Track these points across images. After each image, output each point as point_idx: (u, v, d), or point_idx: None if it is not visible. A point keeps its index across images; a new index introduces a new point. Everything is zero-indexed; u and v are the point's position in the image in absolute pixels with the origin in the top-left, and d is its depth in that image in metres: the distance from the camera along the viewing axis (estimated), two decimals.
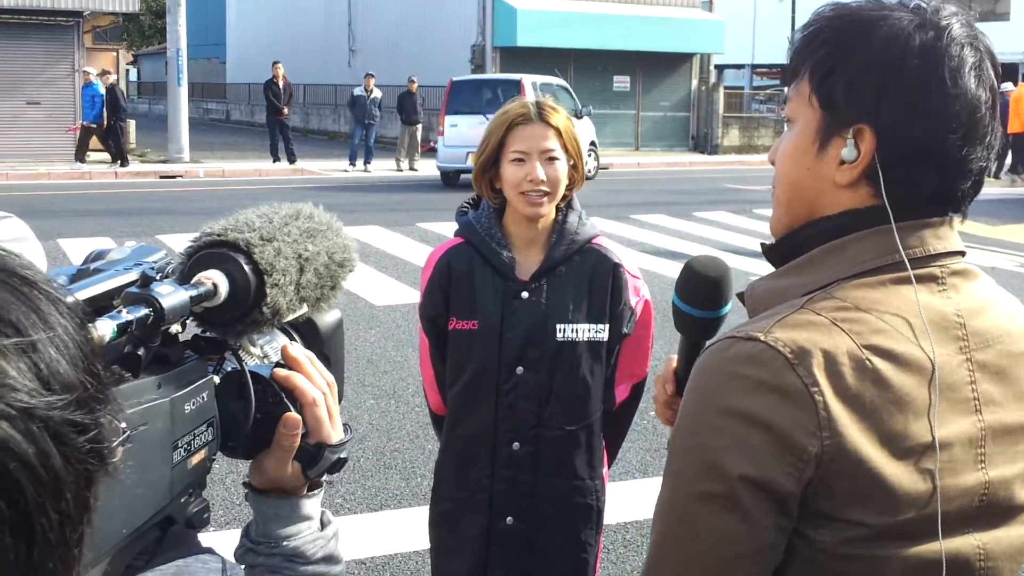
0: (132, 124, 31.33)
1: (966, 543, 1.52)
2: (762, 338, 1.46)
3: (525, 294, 3.23)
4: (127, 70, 40.96)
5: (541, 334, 3.22)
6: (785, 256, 1.62)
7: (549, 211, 3.23)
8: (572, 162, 3.24)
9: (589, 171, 21.04)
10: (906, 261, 1.51)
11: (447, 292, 3.29)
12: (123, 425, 1.11)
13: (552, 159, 3.17)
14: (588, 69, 36.43)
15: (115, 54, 31.83)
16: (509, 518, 3.26)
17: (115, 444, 0.87)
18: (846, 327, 1.46)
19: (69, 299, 0.87)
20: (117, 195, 21.50)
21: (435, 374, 3.43)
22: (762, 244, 1.71)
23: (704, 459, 1.47)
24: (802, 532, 1.45)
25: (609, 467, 3.46)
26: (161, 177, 25.70)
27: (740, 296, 1.68)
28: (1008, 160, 27.11)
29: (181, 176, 25.97)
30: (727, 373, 1.48)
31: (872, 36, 1.54)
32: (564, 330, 3.22)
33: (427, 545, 3.53)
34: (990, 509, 1.53)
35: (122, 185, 23.87)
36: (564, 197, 3.28)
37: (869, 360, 1.44)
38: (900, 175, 1.53)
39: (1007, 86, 26.14)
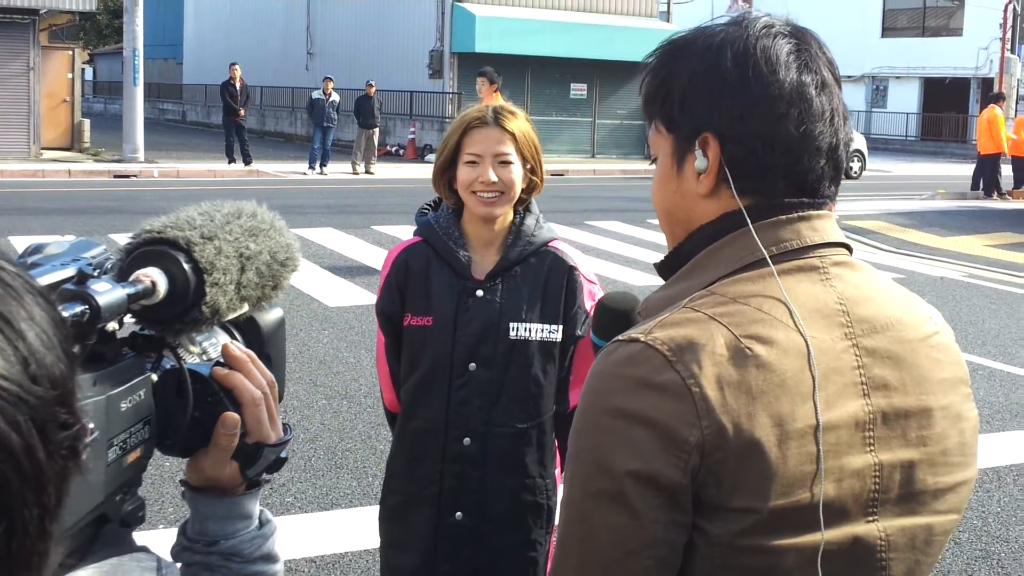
0: (87, 123, 31.10)
1: (869, 531, 1.53)
2: (642, 339, 1.49)
3: (480, 292, 3.28)
4: (83, 69, 40.57)
5: (494, 332, 3.26)
6: (674, 269, 1.66)
7: (503, 212, 3.29)
8: (529, 166, 3.30)
9: None
10: (765, 254, 1.54)
11: (403, 289, 3.34)
12: (91, 425, 1.11)
13: (506, 162, 3.24)
14: (546, 76, 36.46)
15: (71, 53, 31.41)
16: (458, 514, 3.28)
17: (86, 443, 0.87)
18: (724, 320, 1.48)
19: (44, 290, 0.87)
20: (70, 193, 21.30)
21: (390, 371, 3.47)
22: (654, 264, 1.76)
23: (594, 458, 1.49)
24: (698, 526, 1.47)
25: (562, 468, 3.47)
26: (115, 176, 25.48)
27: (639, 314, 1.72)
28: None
29: (135, 176, 25.77)
30: (611, 375, 1.50)
31: (691, 52, 1.62)
32: (517, 329, 3.27)
33: (378, 543, 3.53)
34: (889, 495, 1.54)
35: (75, 184, 23.65)
36: (523, 201, 3.35)
37: (749, 348, 1.46)
38: (750, 168, 1.57)
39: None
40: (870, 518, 1.53)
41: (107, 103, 55.85)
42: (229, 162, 28.16)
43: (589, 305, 3.35)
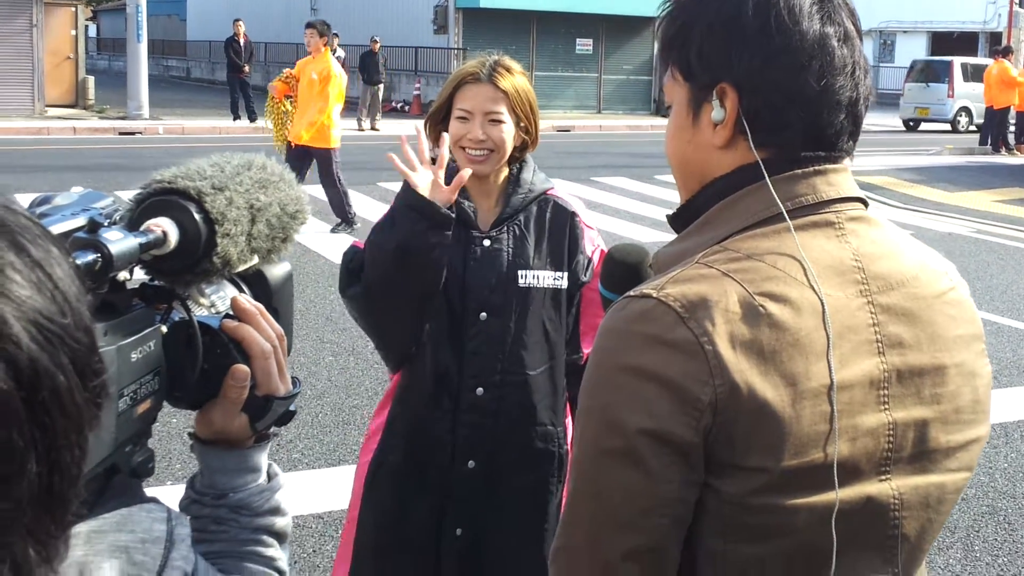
0: (91, 80, 31.03)
1: (882, 489, 1.52)
2: (654, 295, 1.47)
3: (487, 242, 3.29)
4: (86, 26, 40.44)
5: (503, 280, 3.27)
6: (687, 222, 1.63)
7: (491, 171, 3.29)
8: (523, 125, 3.28)
9: None
10: (783, 209, 1.52)
11: None
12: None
13: (496, 121, 3.23)
14: (551, 32, 36.32)
15: (74, 9, 31.29)
16: (471, 462, 3.28)
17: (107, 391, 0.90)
18: (738, 276, 1.47)
19: (58, 238, 0.90)
20: (75, 151, 21.30)
21: None
22: (667, 215, 1.73)
23: (604, 417, 1.48)
24: (710, 484, 1.45)
25: (573, 419, 3.46)
26: (120, 133, 25.46)
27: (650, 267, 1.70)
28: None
29: (140, 133, 25.74)
30: (622, 331, 1.49)
31: (711, 0, 1.59)
32: (526, 276, 3.28)
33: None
34: (902, 453, 1.53)
35: (80, 141, 23.64)
36: (516, 158, 3.35)
37: (763, 306, 1.44)
38: (768, 121, 1.55)
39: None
40: (883, 477, 1.52)
41: (111, 60, 55.68)
42: (234, 119, 28.13)
43: (590, 250, 3.37)
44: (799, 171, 1.56)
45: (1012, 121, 27.44)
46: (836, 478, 1.45)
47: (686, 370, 1.42)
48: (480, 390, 3.27)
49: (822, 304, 1.47)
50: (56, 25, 29.79)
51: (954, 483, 1.60)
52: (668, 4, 1.66)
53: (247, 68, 28.06)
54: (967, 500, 6.09)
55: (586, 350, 3.41)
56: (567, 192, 3.47)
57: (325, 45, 13.86)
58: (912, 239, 1.68)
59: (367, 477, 3.41)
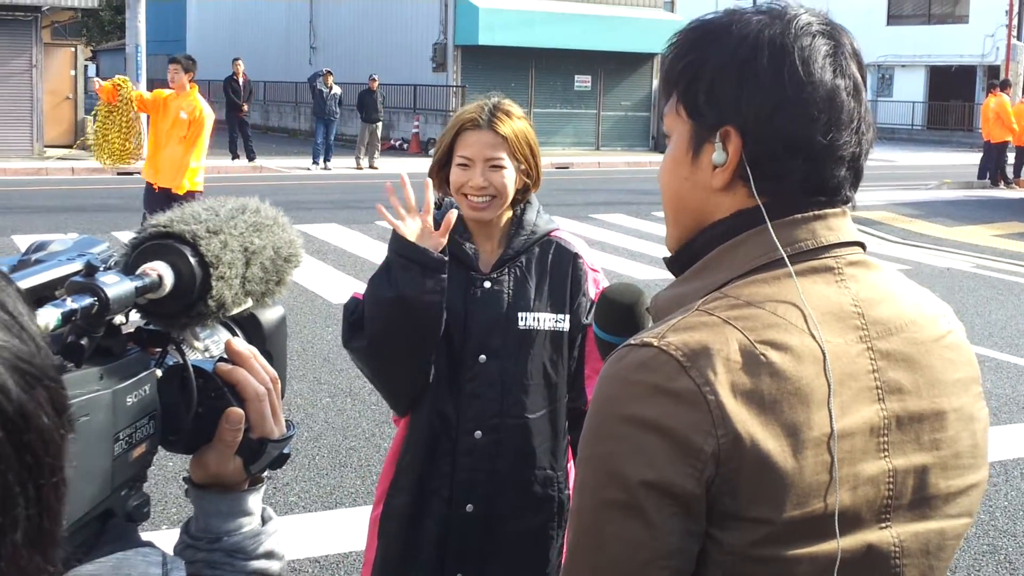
0: (90, 120, 31.06)
1: (883, 537, 1.51)
2: (655, 343, 1.46)
3: (487, 284, 3.28)
4: (86, 66, 40.60)
5: (503, 323, 3.26)
6: (685, 265, 1.63)
7: (493, 216, 3.28)
8: (524, 168, 3.28)
9: None
10: (784, 255, 1.52)
11: None
12: (86, 416, 1.13)
13: (497, 167, 3.22)
14: (550, 69, 36.45)
15: (73, 50, 31.42)
16: (469, 506, 3.27)
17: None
18: (739, 324, 1.46)
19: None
20: (74, 191, 21.34)
21: None
22: (664, 259, 1.73)
23: (606, 467, 1.47)
24: (712, 535, 1.44)
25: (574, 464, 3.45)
26: (119, 174, 25.46)
27: (648, 310, 1.70)
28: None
29: (138, 173, 25.71)
30: (623, 380, 1.48)
31: (725, 40, 1.58)
32: (526, 319, 3.27)
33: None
34: (902, 500, 1.52)
35: (79, 181, 23.67)
36: (520, 199, 3.34)
37: (764, 355, 1.44)
38: (770, 170, 1.54)
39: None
40: (883, 524, 1.51)
41: None
42: (233, 158, 28.20)
43: (593, 292, 3.36)
44: (799, 216, 1.55)
45: (1011, 154, 27.53)
46: (838, 529, 1.45)
47: (689, 420, 1.41)
48: (478, 433, 3.26)
49: (823, 352, 1.46)
50: (55, 65, 29.90)
51: (954, 529, 1.59)
52: (679, 38, 1.65)
53: (246, 107, 28.15)
54: (967, 539, 6.05)
55: (591, 394, 3.40)
56: (570, 232, 3.47)
57: (191, 82, 12.71)
58: (909, 281, 1.68)
59: (378, 523, 3.43)
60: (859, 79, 1.58)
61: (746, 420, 1.41)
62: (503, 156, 3.22)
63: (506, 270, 3.30)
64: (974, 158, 30.68)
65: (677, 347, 1.45)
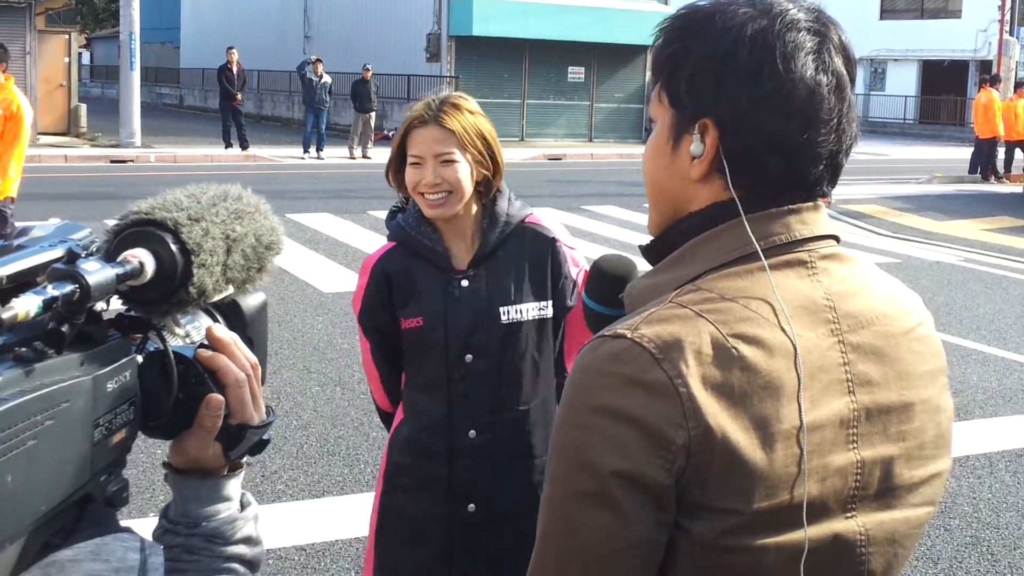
0: (84, 108, 31.05)
1: (849, 527, 1.53)
2: (628, 335, 1.47)
3: (465, 282, 3.25)
4: (80, 53, 40.49)
5: (486, 319, 3.24)
6: (660, 254, 1.63)
7: (454, 211, 3.21)
8: (478, 159, 3.21)
9: None
10: (759, 249, 1.52)
11: (388, 297, 3.30)
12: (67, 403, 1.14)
13: (448, 161, 3.16)
14: (543, 60, 36.43)
15: (67, 37, 31.33)
16: (471, 506, 3.26)
17: None
18: (711, 317, 1.47)
19: None
20: (66, 179, 21.29)
21: (379, 375, 3.45)
22: (640, 246, 1.73)
23: (577, 457, 1.47)
24: (680, 524, 1.45)
25: None
26: (112, 162, 25.46)
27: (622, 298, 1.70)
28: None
29: (132, 161, 25.74)
30: (596, 371, 1.48)
31: (709, 31, 1.57)
32: (508, 312, 3.24)
33: (367, 532, 3.50)
34: (868, 491, 1.54)
35: (72, 169, 23.64)
36: (487, 190, 3.28)
37: (735, 348, 1.45)
38: (746, 164, 1.55)
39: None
40: (849, 514, 1.52)
41: (104, 87, 55.77)
42: (226, 147, 28.16)
43: (575, 273, 3.34)
44: (774, 210, 1.56)
45: (1002, 149, 27.59)
46: (806, 520, 1.46)
47: (661, 412, 1.42)
48: (472, 432, 3.25)
49: (794, 346, 1.48)
50: (49, 52, 29.83)
51: (918, 518, 1.61)
52: (666, 25, 1.65)
53: (240, 96, 28.07)
54: (950, 531, 6.10)
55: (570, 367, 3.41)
56: (545, 215, 3.44)
57: (4, 72, 11.10)
58: (881, 273, 1.68)
59: (377, 519, 3.43)
60: (844, 75, 1.57)
61: (717, 413, 1.42)
62: (453, 151, 3.16)
63: (483, 266, 3.26)
64: (965, 152, 30.74)
65: (650, 339, 1.45)
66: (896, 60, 50.67)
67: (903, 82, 50.47)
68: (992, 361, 9.89)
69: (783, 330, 1.48)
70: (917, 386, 1.59)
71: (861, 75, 51.17)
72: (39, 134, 27.65)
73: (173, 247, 1.33)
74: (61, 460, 1.19)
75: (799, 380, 1.46)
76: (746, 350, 1.45)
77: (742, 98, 1.53)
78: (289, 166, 26.17)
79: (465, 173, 3.18)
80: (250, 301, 1.57)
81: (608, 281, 2.09)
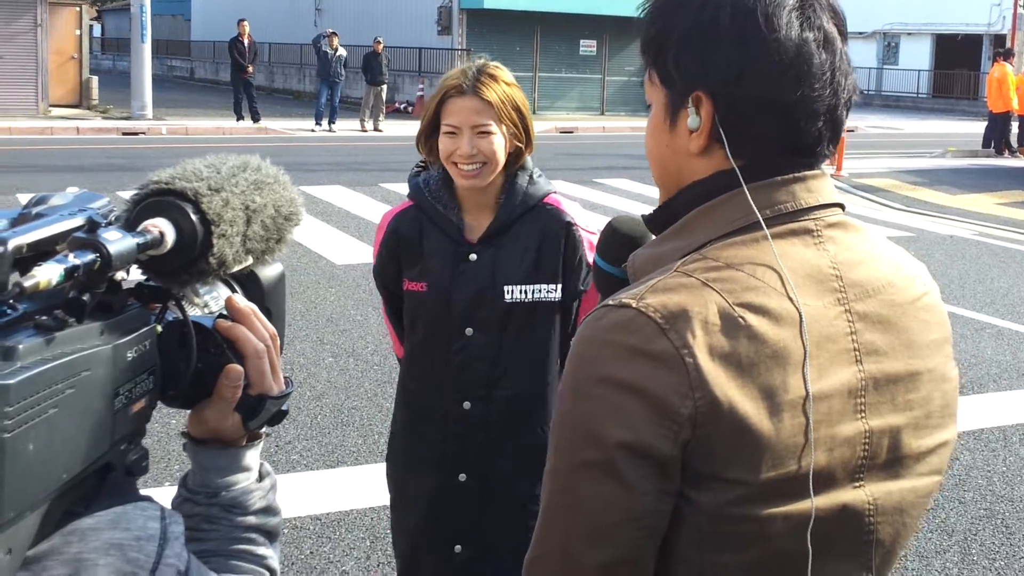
0: (95, 80, 31.04)
1: (857, 496, 1.52)
2: (634, 305, 1.45)
3: (473, 256, 3.23)
4: (91, 26, 40.46)
5: (489, 296, 3.22)
6: (664, 224, 1.61)
7: (486, 183, 3.20)
8: (513, 131, 3.19)
9: None
10: (760, 219, 1.51)
11: (397, 256, 3.31)
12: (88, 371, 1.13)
13: (484, 133, 3.14)
14: (555, 33, 36.33)
15: (78, 9, 31.28)
16: (462, 475, 3.27)
17: None
18: (717, 286, 1.45)
19: None
20: (79, 151, 21.31)
21: (394, 328, 3.49)
22: (642, 215, 1.71)
23: (582, 428, 1.46)
24: (686, 495, 1.44)
25: None
26: (123, 134, 25.48)
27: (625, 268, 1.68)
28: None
29: (143, 133, 25.76)
30: (601, 341, 1.46)
31: (689, 4, 1.56)
32: (512, 291, 3.22)
33: (381, 502, 3.55)
34: (876, 460, 1.53)
35: (84, 141, 23.65)
36: (514, 162, 3.26)
37: (742, 317, 1.43)
38: (745, 131, 1.53)
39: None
40: (857, 484, 1.51)
41: (115, 60, 55.77)
42: (237, 119, 28.15)
43: (591, 257, 3.25)
44: (779, 178, 1.54)
45: (1015, 123, 27.49)
46: (812, 491, 1.45)
47: (667, 383, 1.41)
48: (467, 404, 3.26)
49: (799, 315, 1.46)
50: (60, 25, 29.81)
51: (925, 487, 1.61)
52: (648, 5, 1.63)
53: (251, 68, 28.03)
54: (964, 503, 6.09)
55: None
56: (565, 197, 3.40)
57: None
58: (887, 242, 1.67)
59: (386, 473, 3.51)
60: (831, 29, 1.55)
61: (723, 383, 1.41)
62: (490, 122, 3.13)
63: (494, 241, 3.24)
64: (979, 127, 30.64)
65: (656, 309, 1.44)
66: (910, 34, 50.45)
67: (916, 56, 50.25)
68: (1006, 335, 9.87)
69: (789, 299, 1.47)
70: (924, 355, 1.58)
71: (874, 49, 50.99)
72: (51, 106, 27.70)
73: (193, 217, 1.32)
74: (82, 429, 1.19)
75: (805, 349, 1.45)
76: (753, 319, 1.44)
77: (730, 66, 1.51)
78: (301, 138, 26.16)
79: (500, 145, 3.16)
80: (268, 272, 1.57)
81: (622, 243, 2.05)
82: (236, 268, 1.42)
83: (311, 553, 5.27)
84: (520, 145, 3.23)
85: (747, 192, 1.52)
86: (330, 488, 5.95)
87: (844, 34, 1.59)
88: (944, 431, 1.62)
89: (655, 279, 1.50)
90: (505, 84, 3.19)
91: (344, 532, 5.48)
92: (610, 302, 1.49)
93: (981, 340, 9.60)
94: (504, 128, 3.16)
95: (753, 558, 1.48)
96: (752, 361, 1.42)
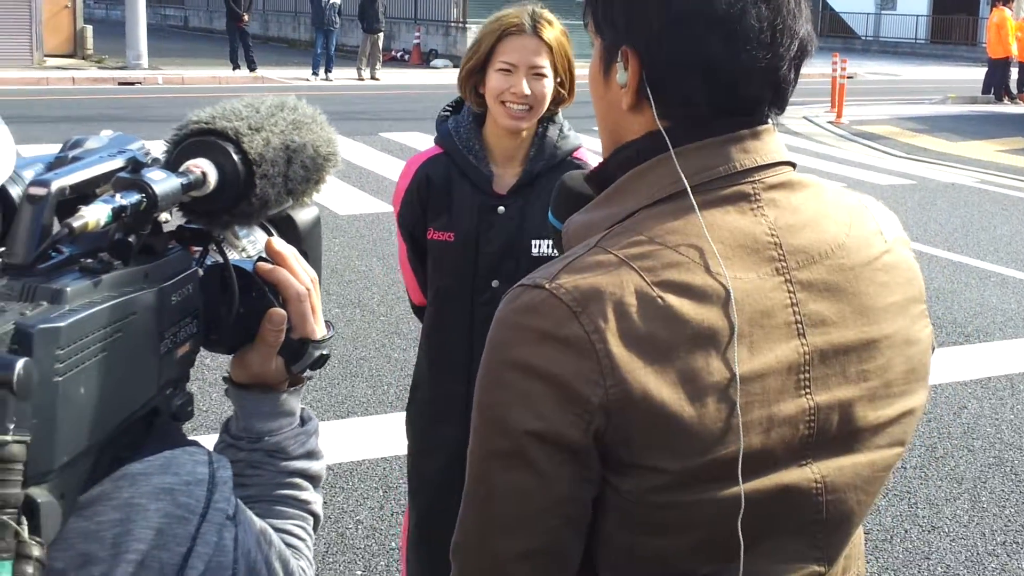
0: (89, 29, 30.86)
1: (803, 475, 1.44)
2: (546, 286, 1.38)
3: (502, 208, 3.22)
4: None
5: (517, 248, 3.21)
6: (602, 184, 1.54)
7: (529, 126, 3.20)
8: (559, 79, 3.19)
9: None
10: (687, 187, 1.42)
11: (425, 202, 3.28)
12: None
13: (539, 75, 3.13)
14: None
15: None
16: None
17: None
18: (637, 264, 1.37)
19: None
20: (75, 101, 21.21)
21: (415, 276, 3.46)
22: (583, 175, 1.65)
23: (492, 415, 1.41)
24: (609, 481, 1.39)
25: None
26: (119, 84, 25.35)
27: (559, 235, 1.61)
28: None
29: (140, 83, 25.63)
30: (512, 324, 1.41)
31: None
32: (539, 245, 3.21)
33: (393, 452, 3.55)
34: (826, 436, 1.44)
35: (80, 91, 23.52)
36: (549, 113, 3.25)
37: (660, 297, 1.35)
38: (672, 91, 1.44)
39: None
40: (803, 462, 1.44)
41: (108, 9, 55.33)
42: (233, 68, 28.04)
43: None
44: (710, 140, 1.45)
45: (1015, 69, 27.39)
46: (740, 475, 1.37)
47: (576, 369, 1.34)
48: None
49: (726, 291, 1.38)
50: None
51: (884, 460, 1.52)
52: None
53: (246, 17, 27.90)
54: (973, 451, 6.11)
55: None
56: (594, 153, 3.37)
57: None
58: (844, 199, 1.55)
59: (406, 417, 3.54)
60: None
61: (637, 369, 1.33)
62: (546, 64, 3.14)
63: (521, 194, 3.24)
64: (978, 73, 30.52)
65: (568, 291, 1.37)
66: None
67: (914, 1, 50.00)
68: (1011, 283, 9.86)
69: (714, 274, 1.38)
70: (881, 320, 1.48)
71: None
72: (45, 56, 27.56)
73: (235, 157, 1.31)
74: (130, 372, 1.18)
75: (732, 327, 1.36)
76: (672, 299, 1.36)
77: (654, 22, 1.42)
78: (298, 87, 26.03)
79: (550, 89, 3.17)
80: (304, 215, 1.55)
81: (575, 200, 2.00)
82: (276, 209, 1.40)
83: (325, 503, 5.25)
84: (564, 93, 3.22)
85: (674, 157, 1.43)
86: (341, 439, 5.95)
87: None
88: (908, 398, 1.53)
89: (574, 256, 1.43)
90: (559, 31, 3.20)
91: (357, 482, 5.50)
92: (525, 282, 1.43)
93: (986, 288, 9.59)
94: (553, 73, 3.16)
95: (688, 542, 1.42)
96: (670, 344, 1.35)
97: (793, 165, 1.50)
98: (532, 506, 1.39)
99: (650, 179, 1.45)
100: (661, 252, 1.38)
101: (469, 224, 3.22)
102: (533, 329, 1.38)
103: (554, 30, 3.17)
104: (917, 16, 49.58)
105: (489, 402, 1.42)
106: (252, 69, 27.75)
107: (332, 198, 12.40)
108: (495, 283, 3.22)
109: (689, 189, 1.41)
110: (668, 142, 1.43)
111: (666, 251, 1.39)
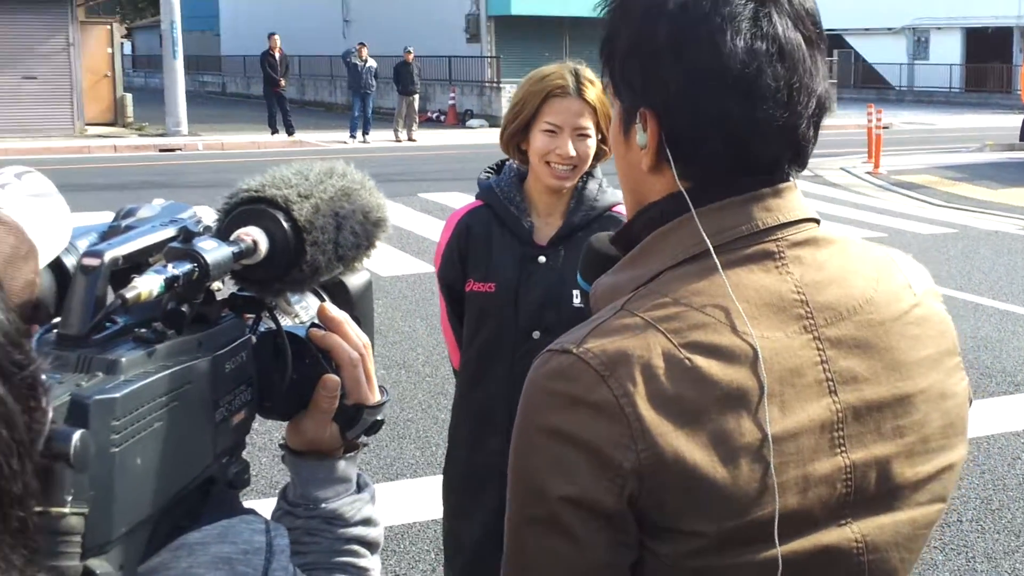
0: (129, 97, 31.25)
1: (842, 535, 1.41)
2: (574, 351, 1.37)
3: (543, 259, 3.22)
4: (122, 44, 40.79)
5: (557, 299, 3.20)
6: (627, 245, 1.52)
7: (573, 182, 3.22)
8: (600, 136, 3.19)
9: None
10: (710, 247, 1.40)
11: (465, 254, 3.29)
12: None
13: (584, 135, 3.15)
14: (584, 37, 36.33)
15: (109, 27, 31.52)
16: None
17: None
18: (663, 326, 1.36)
19: None
20: (117, 169, 21.44)
21: (455, 335, 3.45)
22: (609, 238, 1.63)
23: (527, 481, 1.40)
24: (647, 545, 1.36)
25: None
26: (160, 150, 25.63)
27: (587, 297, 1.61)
28: None
29: (180, 149, 25.91)
30: (542, 389, 1.39)
31: (632, 12, 1.47)
32: (580, 297, 3.18)
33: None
34: (864, 495, 1.41)
35: (122, 159, 23.79)
36: (591, 168, 3.27)
37: (688, 359, 1.33)
38: (692, 151, 1.42)
39: None
40: (843, 522, 1.41)
41: (147, 77, 56.12)
42: (272, 133, 28.31)
43: None
44: (732, 199, 1.43)
45: None
46: (776, 537, 1.34)
47: (607, 434, 1.32)
48: None
49: (754, 350, 1.35)
50: (92, 43, 30.05)
51: (925, 517, 1.48)
52: (602, 7, 1.54)
53: (283, 82, 28.20)
54: (999, 447, 6.02)
55: None
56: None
57: None
58: (871, 252, 1.53)
59: (443, 481, 3.52)
60: (791, 38, 1.41)
61: (668, 432, 1.32)
62: (590, 125, 3.15)
63: (562, 246, 3.24)
64: (1014, 120, 30.37)
65: (595, 355, 1.35)
66: (939, 28, 50.23)
67: (947, 50, 50.02)
68: None
69: (741, 334, 1.36)
70: (914, 374, 1.45)
71: (904, 44, 50.77)
72: (87, 125, 27.90)
73: (285, 225, 1.31)
74: (186, 442, 1.17)
75: (762, 387, 1.34)
76: (700, 361, 1.34)
77: (670, 83, 1.41)
78: (336, 151, 26.21)
79: (593, 149, 3.19)
80: (355, 280, 1.55)
81: (602, 262, 1.99)
82: (327, 276, 1.40)
83: None
84: (605, 148, 3.22)
85: (696, 217, 1.42)
86: (392, 501, 5.93)
87: (815, 40, 1.46)
88: (947, 453, 1.49)
89: (601, 319, 1.42)
90: (600, 89, 3.20)
91: (408, 544, 5.48)
92: (553, 347, 1.42)
93: (957, 342, 9.46)
94: (596, 132, 3.18)
95: None
96: (700, 406, 1.33)
97: (817, 222, 1.49)
98: (570, 573, 1.37)
99: (673, 240, 1.44)
100: (687, 313, 1.37)
101: (510, 275, 3.22)
102: (562, 394, 1.36)
103: (596, 89, 3.18)
104: (951, 65, 49.56)
105: (523, 467, 1.41)
106: (290, 133, 28.01)
107: (374, 260, 12.27)
108: (536, 334, 3.21)
109: (712, 249, 1.40)
110: (689, 202, 1.42)
111: (692, 312, 1.37)
